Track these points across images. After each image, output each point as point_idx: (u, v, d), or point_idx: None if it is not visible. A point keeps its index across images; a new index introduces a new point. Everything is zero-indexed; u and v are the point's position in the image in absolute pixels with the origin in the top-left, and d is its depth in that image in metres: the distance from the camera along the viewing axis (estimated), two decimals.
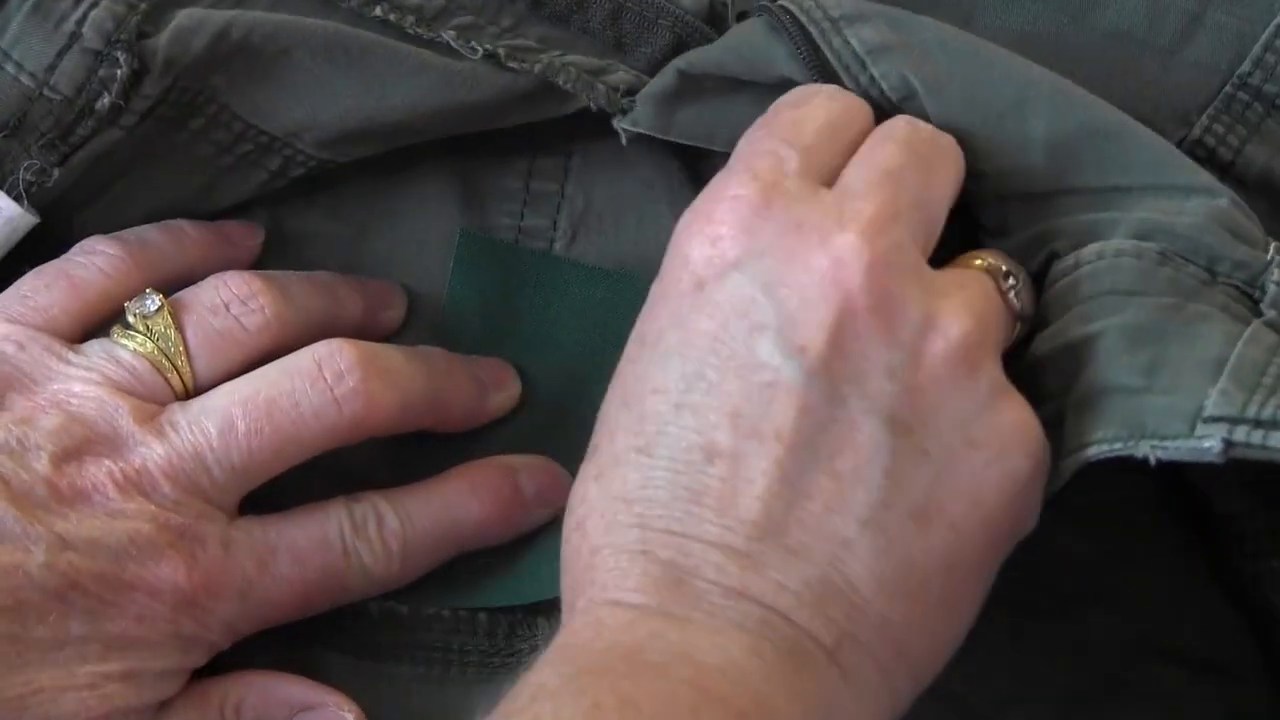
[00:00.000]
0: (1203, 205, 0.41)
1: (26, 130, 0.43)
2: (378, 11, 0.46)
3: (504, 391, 0.47)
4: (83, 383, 0.42)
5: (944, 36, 0.42)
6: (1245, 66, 0.46)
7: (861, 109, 0.42)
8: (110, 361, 0.43)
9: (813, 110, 0.41)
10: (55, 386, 0.42)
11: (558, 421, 0.47)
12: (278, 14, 0.45)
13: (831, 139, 0.40)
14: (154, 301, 0.43)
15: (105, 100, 0.43)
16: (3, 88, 0.43)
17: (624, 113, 0.45)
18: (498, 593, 0.45)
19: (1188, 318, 0.38)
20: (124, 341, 0.43)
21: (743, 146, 0.41)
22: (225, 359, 0.44)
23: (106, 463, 0.41)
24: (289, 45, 0.44)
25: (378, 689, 0.45)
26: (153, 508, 0.41)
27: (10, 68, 0.43)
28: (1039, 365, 0.40)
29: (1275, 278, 0.40)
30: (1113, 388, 0.38)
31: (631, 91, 0.46)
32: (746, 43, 0.44)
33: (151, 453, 0.42)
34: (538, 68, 0.45)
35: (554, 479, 0.46)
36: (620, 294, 0.48)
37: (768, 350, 0.37)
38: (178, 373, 0.43)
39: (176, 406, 0.43)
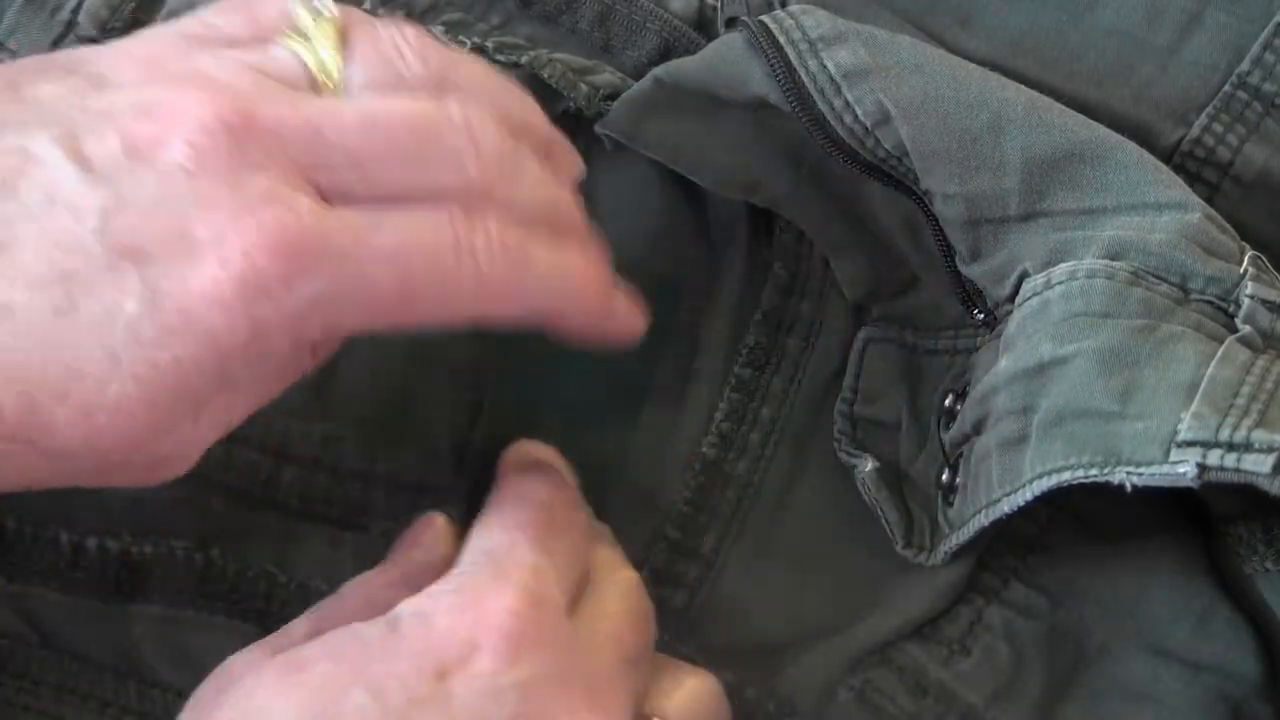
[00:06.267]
0: (1175, 221, 0.40)
1: None
2: (366, 5, 0.46)
3: (639, 321, 0.44)
4: (226, 60, 0.39)
5: (920, 58, 0.42)
6: (1244, 65, 0.45)
7: None
8: (261, 54, 0.40)
9: None
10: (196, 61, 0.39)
11: (557, 418, 0.48)
12: None
13: None
14: (324, 6, 0.40)
15: None
16: None
17: (601, 116, 0.46)
18: None
19: (1160, 339, 0.38)
20: (282, 39, 0.40)
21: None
22: (380, 79, 0.40)
23: (202, 110, 0.37)
24: None
25: None
26: (242, 170, 0.37)
27: (6, 57, 0.44)
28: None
29: (1249, 291, 0.40)
30: (1086, 412, 0.38)
31: (614, 95, 0.46)
32: (724, 59, 0.44)
33: (272, 105, 0.37)
34: (525, 60, 0.46)
35: (634, 305, 0.43)
36: (629, 291, 0.48)
37: None
38: (329, 76, 0.40)
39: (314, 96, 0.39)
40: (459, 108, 0.40)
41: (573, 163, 0.44)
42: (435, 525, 0.44)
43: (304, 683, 0.37)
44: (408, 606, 0.38)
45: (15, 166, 0.36)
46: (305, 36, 0.40)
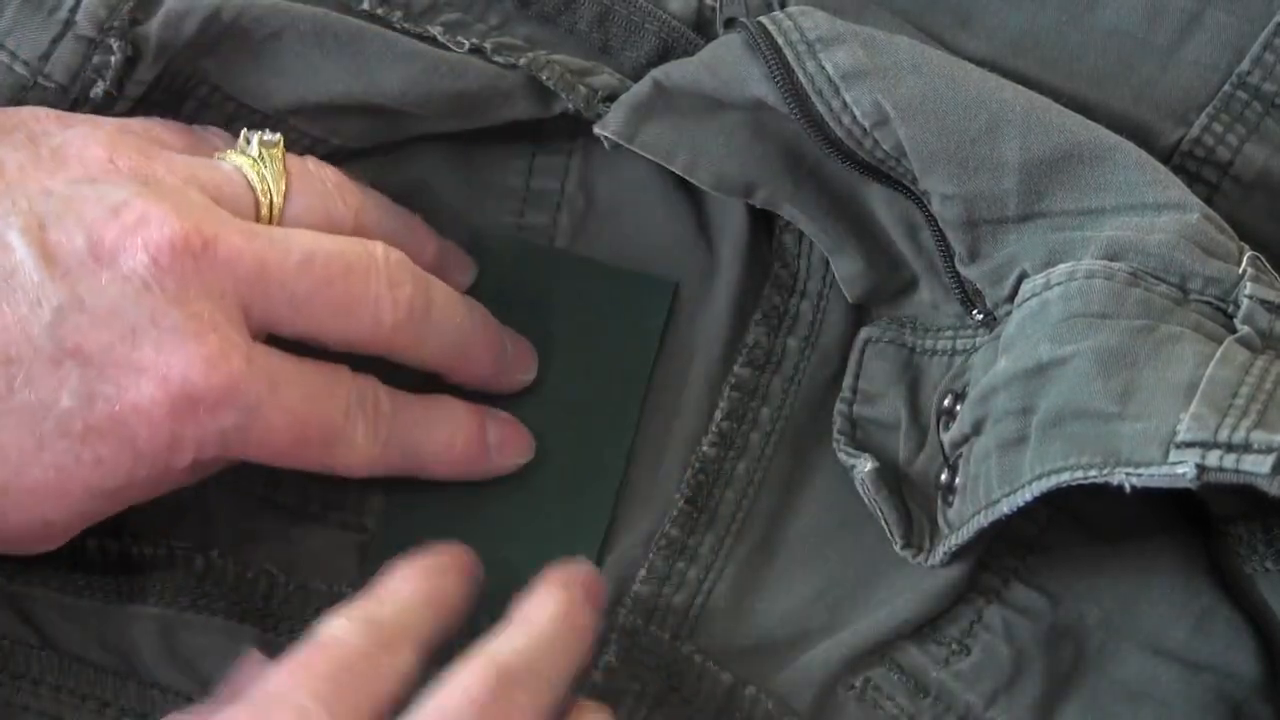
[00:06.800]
0: (1174, 221, 0.40)
1: None
2: (365, 4, 0.46)
3: (523, 373, 0.48)
4: (175, 172, 0.42)
5: (918, 59, 0.42)
6: (1244, 65, 0.45)
7: None
8: (206, 168, 0.43)
9: None
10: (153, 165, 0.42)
11: (559, 416, 0.48)
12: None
13: None
14: (275, 137, 0.44)
15: (100, 88, 0.44)
16: None
17: (600, 118, 0.46)
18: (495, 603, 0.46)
19: (1159, 340, 0.38)
20: (230, 157, 0.43)
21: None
22: (311, 216, 0.43)
23: (169, 227, 0.39)
24: (278, 28, 0.45)
25: None
26: (192, 292, 0.39)
27: (4, 56, 0.44)
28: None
29: (1248, 291, 0.39)
30: (1085, 413, 0.38)
31: (612, 96, 0.46)
32: (722, 60, 0.44)
33: (230, 235, 0.40)
34: (523, 61, 0.46)
35: (517, 434, 0.47)
36: (631, 291, 0.48)
37: None
38: (270, 201, 0.43)
39: (262, 225, 0.42)
40: (382, 250, 0.43)
41: (466, 267, 0.49)
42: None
43: None
44: None
45: None
46: (255, 160, 0.43)
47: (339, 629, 0.40)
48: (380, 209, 0.46)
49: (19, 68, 0.44)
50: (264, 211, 0.43)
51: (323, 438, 0.43)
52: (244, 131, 0.44)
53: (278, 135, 0.44)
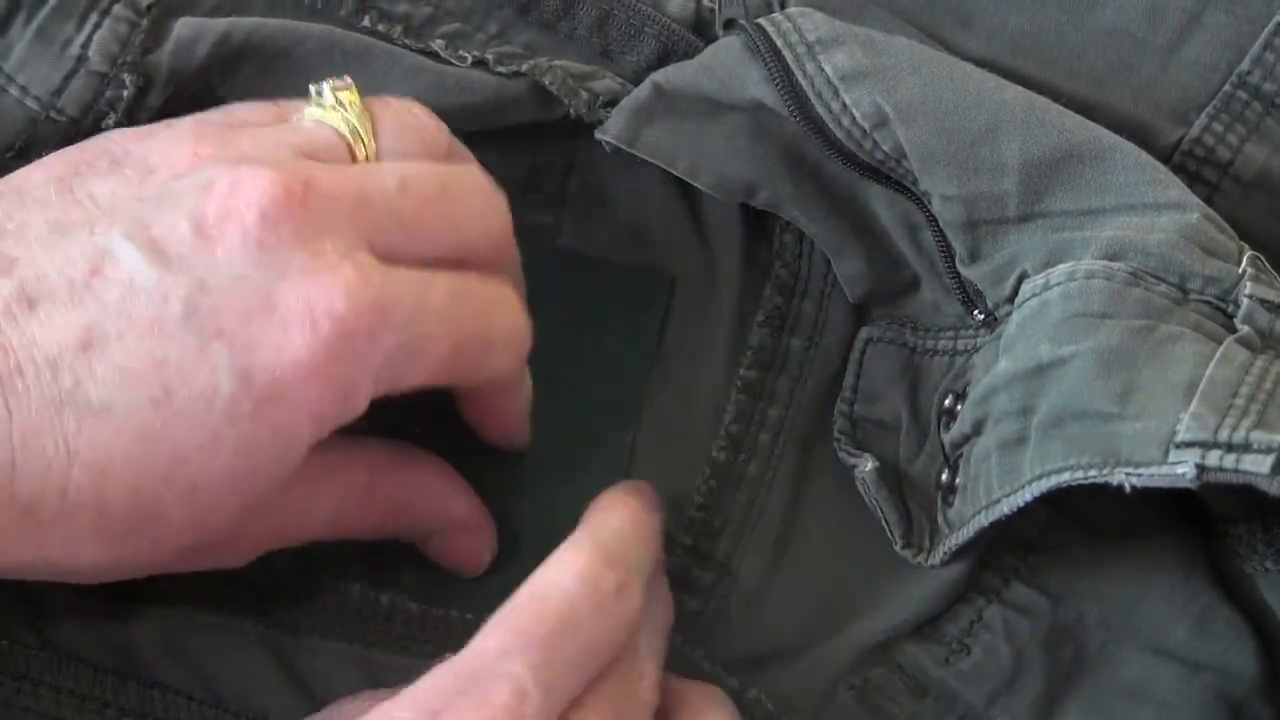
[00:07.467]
0: (1173, 221, 0.40)
1: (33, 151, 0.43)
2: (366, 21, 0.47)
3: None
4: (260, 143, 0.41)
5: (917, 60, 0.42)
6: (1244, 65, 0.45)
7: None
8: (290, 130, 0.42)
9: None
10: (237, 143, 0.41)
11: (561, 414, 0.48)
12: (274, 19, 0.46)
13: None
14: (345, 81, 0.43)
15: (111, 120, 0.44)
16: (8, 111, 0.43)
17: (600, 123, 0.46)
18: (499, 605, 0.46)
19: (1159, 340, 0.38)
20: (308, 113, 0.42)
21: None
22: (407, 145, 0.42)
23: (263, 182, 0.38)
24: (288, 46, 0.45)
25: (381, 677, 0.45)
26: (308, 233, 0.38)
27: (15, 91, 0.43)
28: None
29: (1247, 291, 0.39)
30: (1085, 413, 0.38)
31: (613, 101, 0.46)
32: (721, 63, 0.44)
33: (324, 176, 0.39)
34: (526, 66, 0.46)
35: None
36: (629, 286, 0.48)
37: None
38: (362, 141, 0.42)
39: (355, 165, 0.41)
40: (477, 170, 0.42)
41: None
42: None
43: None
44: (401, 706, 0.37)
45: (92, 267, 0.37)
46: (333, 108, 0.42)
47: (560, 572, 0.39)
48: (460, 144, 0.45)
49: (30, 102, 0.43)
50: (360, 153, 0.42)
51: (479, 334, 0.41)
52: (311, 86, 0.43)
53: (346, 79, 0.43)
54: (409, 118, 0.43)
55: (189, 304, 0.37)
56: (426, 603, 0.46)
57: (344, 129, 0.42)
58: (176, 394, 0.37)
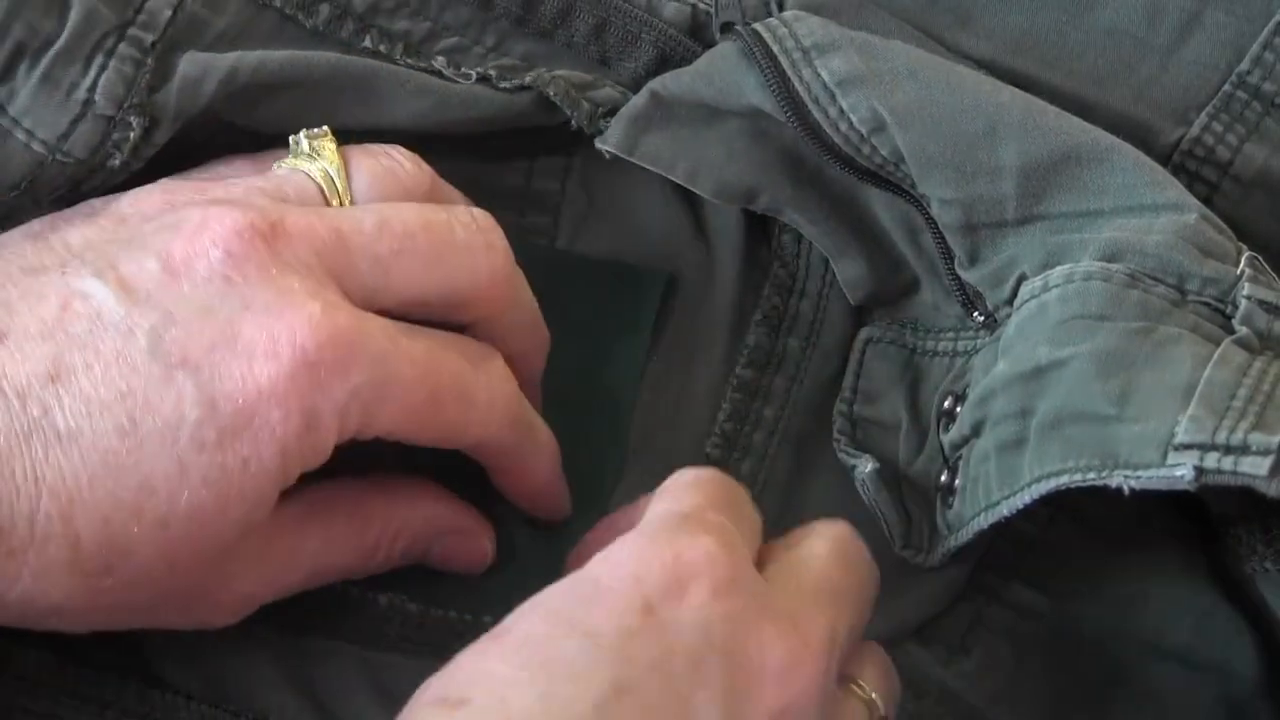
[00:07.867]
0: (1172, 222, 0.40)
1: (38, 190, 0.43)
2: (367, 41, 0.47)
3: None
4: (233, 190, 0.41)
5: (914, 64, 0.42)
6: (1244, 65, 0.45)
7: None
8: (264, 179, 0.42)
9: None
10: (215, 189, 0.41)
11: (557, 412, 0.48)
12: (279, 51, 0.45)
13: None
14: (320, 130, 0.43)
15: (117, 160, 0.43)
16: (13, 154, 0.43)
17: (600, 133, 0.46)
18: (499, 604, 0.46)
19: (1157, 341, 0.38)
20: (286, 162, 0.43)
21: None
22: (383, 188, 0.43)
23: (232, 219, 0.39)
24: (296, 78, 0.45)
25: (382, 678, 0.45)
26: (275, 271, 0.38)
27: (21, 135, 0.43)
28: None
29: (1245, 292, 0.39)
30: (1083, 415, 0.38)
31: (614, 110, 0.46)
32: (718, 69, 0.44)
33: (294, 216, 0.40)
34: (528, 79, 0.46)
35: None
36: (625, 283, 0.48)
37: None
38: (338, 195, 0.42)
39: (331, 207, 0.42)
40: (464, 209, 0.42)
41: None
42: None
43: (517, 643, 0.37)
44: (600, 563, 0.38)
45: (62, 304, 0.38)
46: (309, 157, 0.43)
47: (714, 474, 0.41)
48: (447, 185, 0.45)
49: (37, 146, 0.43)
50: (333, 201, 0.42)
51: (457, 388, 0.41)
52: (290, 138, 0.44)
53: (323, 128, 0.44)
54: (386, 160, 0.43)
55: (155, 335, 0.38)
56: (426, 603, 0.46)
57: (317, 175, 0.43)
58: (142, 423, 0.37)
